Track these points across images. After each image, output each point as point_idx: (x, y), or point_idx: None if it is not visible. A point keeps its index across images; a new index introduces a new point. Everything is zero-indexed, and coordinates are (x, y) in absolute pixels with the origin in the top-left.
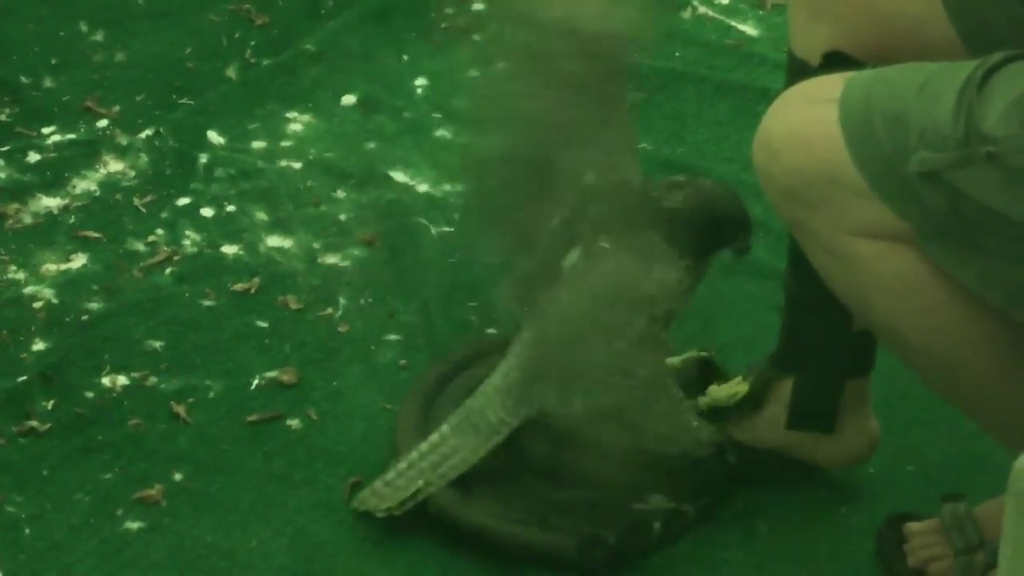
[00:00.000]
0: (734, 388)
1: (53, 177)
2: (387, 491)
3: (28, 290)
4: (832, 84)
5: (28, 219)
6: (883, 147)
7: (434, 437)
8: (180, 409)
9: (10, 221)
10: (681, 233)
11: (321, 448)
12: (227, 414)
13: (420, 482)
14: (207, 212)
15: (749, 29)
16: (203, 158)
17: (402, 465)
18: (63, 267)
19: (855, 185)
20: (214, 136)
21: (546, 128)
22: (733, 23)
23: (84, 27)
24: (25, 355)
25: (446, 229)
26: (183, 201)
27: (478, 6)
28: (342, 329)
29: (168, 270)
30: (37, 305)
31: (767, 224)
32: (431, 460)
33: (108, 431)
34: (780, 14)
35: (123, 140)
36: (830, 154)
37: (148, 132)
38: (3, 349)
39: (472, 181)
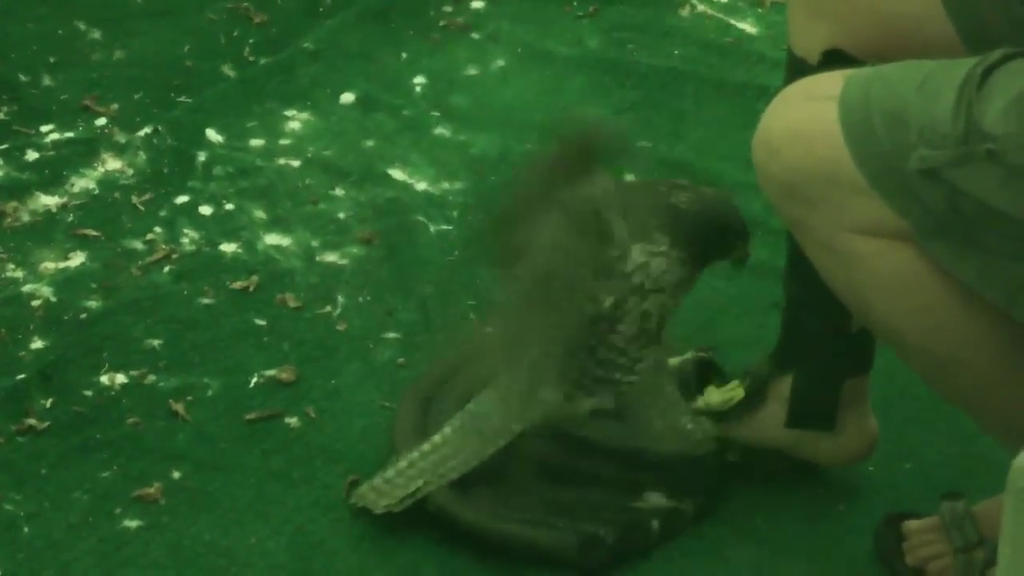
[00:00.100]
0: (730, 392)
1: (51, 175)
2: (387, 488)
3: (26, 288)
4: (831, 82)
5: (26, 217)
6: (882, 145)
7: (436, 437)
8: (179, 407)
9: (8, 219)
10: (679, 231)
11: (319, 446)
12: (225, 412)
13: (420, 481)
14: (205, 210)
15: (748, 27)
16: (201, 156)
17: (402, 463)
18: (61, 265)
19: (854, 183)
20: (212, 134)
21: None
22: (732, 21)
23: (82, 26)
24: (23, 353)
25: (444, 227)
26: (181, 199)
27: (476, 4)
28: (340, 327)
29: (166, 268)
30: (36, 303)
31: (766, 223)
32: (432, 460)
33: (107, 429)
34: (779, 12)
35: (121, 138)
36: (829, 152)
37: (146, 130)
38: (2, 347)
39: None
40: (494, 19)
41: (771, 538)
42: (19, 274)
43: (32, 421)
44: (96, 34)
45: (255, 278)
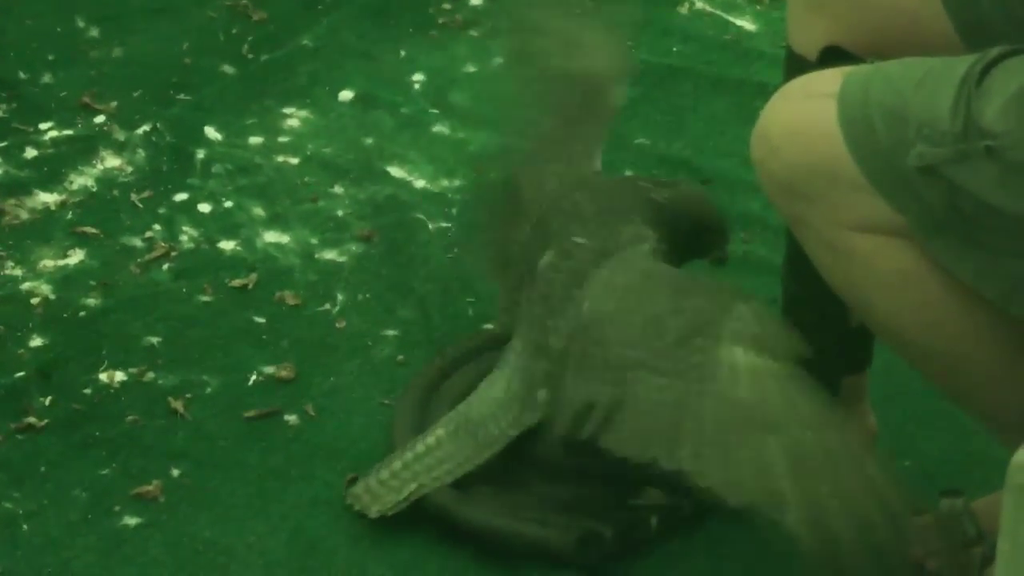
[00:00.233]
0: None
1: (50, 173)
2: (381, 491)
3: (25, 286)
4: (830, 79)
5: (25, 215)
6: (881, 142)
7: (430, 440)
8: (178, 405)
9: (7, 217)
10: (661, 225)
11: (319, 444)
12: (225, 410)
13: (414, 485)
14: (204, 208)
15: (747, 24)
16: (200, 154)
17: (396, 464)
18: (60, 263)
19: (853, 180)
20: (211, 132)
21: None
22: (730, 18)
23: (81, 23)
24: (22, 351)
25: (444, 224)
26: (180, 197)
27: (475, 1)
28: (340, 325)
29: (165, 266)
30: (35, 301)
31: (765, 219)
32: (426, 463)
33: (106, 427)
34: (777, 9)
35: (120, 136)
36: (828, 149)
37: (145, 128)
38: (1, 345)
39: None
40: (493, 16)
41: (769, 535)
42: (18, 272)
43: (31, 419)
44: (95, 31)
45: (254, 276)
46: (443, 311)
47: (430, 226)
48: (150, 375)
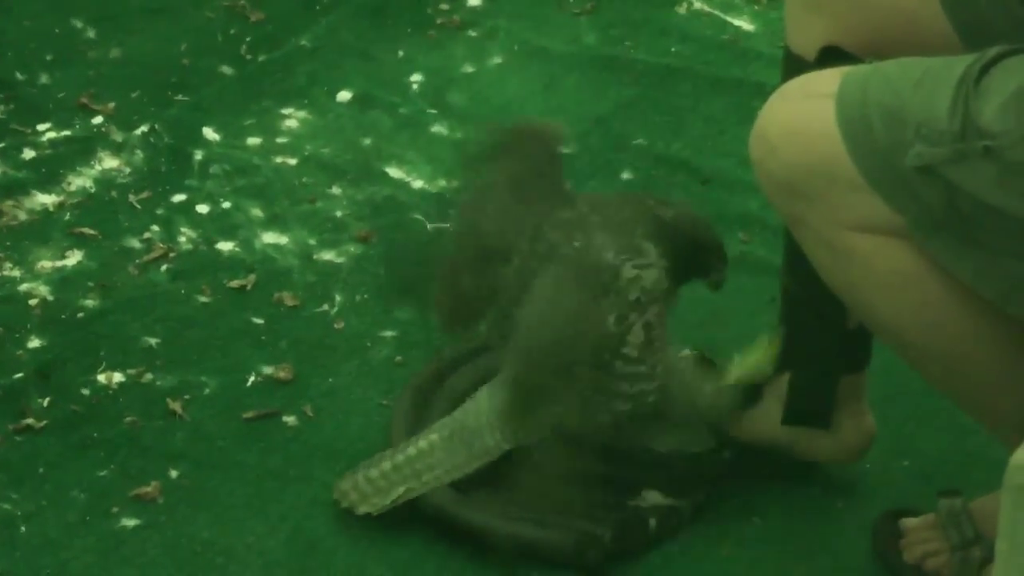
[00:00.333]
0: (762, 350)
1: (48, 174)
2: (369, 490)
3: (23, 287)
4: (829, 79)
5: (23, 216)
6: (880, 141)
7: (423, 444)
8: (176, 406)
9: (5, 218)
10: (664, 242)
11: (317, 444)
12: (223, 411)
13: (402, 488)
14: (202, 209)
15: (745, 24)
16: (198, 155)
17: (386, 465)
18: (58, 264)
19: (852, 180)
20: (209, 132)
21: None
22: (729, 18)
23: (79, 24)
24: (21, 352)
25: (441, 225)
26: (178, 198)
27: (473, 1)
28: (338, 326)
29: (164, 267)
30: (33, 302)
31: (763, 219)
32: (416, 467)
33: (104, 428)
34: (776, 9)
35: (118, 137)
36: (827, 149)
37: (143, 129)
38: None
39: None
40: (491, 16)
41: (768, 536)
42: (16, 273)
43: (30, 420)
44: (93, 32)
45: (252, 277)
46: None
47: (428, 226)
48: (148, 376)
